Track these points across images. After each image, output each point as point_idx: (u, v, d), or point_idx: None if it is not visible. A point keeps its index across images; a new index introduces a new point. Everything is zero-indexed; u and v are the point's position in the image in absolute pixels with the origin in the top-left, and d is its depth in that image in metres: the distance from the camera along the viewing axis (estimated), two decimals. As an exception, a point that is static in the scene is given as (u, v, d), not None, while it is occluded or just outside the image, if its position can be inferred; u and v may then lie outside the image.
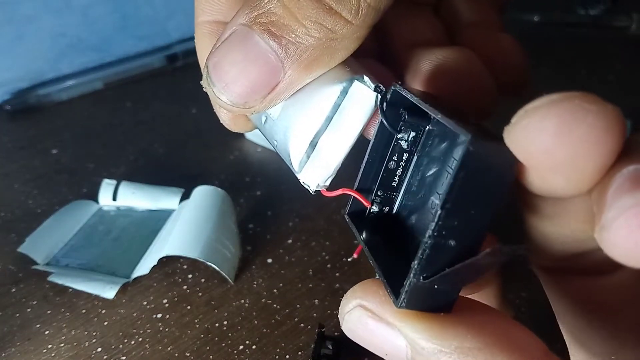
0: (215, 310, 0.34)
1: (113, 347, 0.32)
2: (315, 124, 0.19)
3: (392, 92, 0.18)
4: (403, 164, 0.19)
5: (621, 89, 0.58)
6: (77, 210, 0.42)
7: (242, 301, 0.35)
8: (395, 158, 0.19)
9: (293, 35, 0.17)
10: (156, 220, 0.40)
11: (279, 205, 0.43)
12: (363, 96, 0.18)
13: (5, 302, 0.35)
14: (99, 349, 0.32)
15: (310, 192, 0.20)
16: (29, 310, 0.34)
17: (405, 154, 0.19)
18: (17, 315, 0.34)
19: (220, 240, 0.35)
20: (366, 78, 0.18)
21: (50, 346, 0.32)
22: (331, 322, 0.33)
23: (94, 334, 0.33)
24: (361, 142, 0.19)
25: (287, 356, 0.31)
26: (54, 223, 0.40)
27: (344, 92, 0.18)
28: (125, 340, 0.32)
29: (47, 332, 0.33)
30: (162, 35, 0.67)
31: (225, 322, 0.33)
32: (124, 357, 0.31)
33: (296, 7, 0.17)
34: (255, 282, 0.36)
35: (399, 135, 0.18)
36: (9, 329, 0.33)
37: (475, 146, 0.13)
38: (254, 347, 0.32)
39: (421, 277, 0.14)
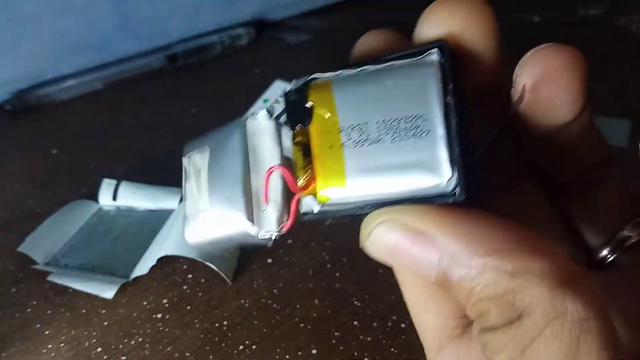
0: (215, 310, 0.34)
1: (113, 347, 0.32)
2: None
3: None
4: None
5: (621, 89, 0.58)
6: (77, 210, 0.42)
7: (242, 301, 0.35)
8: None
9: None
10: (156, 220, 0.40)
11: (279, 205, 0.43)
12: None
13: (5, 302, 0.35)
14: (99, 349, 0.32)
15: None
16: (29, 310, 0.34)
17: None
18: (17, 315, 0.34)
19: (220, 240, 0.35)
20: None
21: (50, 346, 0.32)
22: (331, 322, 0.33)
23: (94, 334, 0.33)
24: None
25: (287, 356, 0.31)
26: (54, 223, 0.40)
27: None
28: (125, 340, 0.32)
29: (47, 332, 0.33)
30: (162, 35, 0.67)
31: (225, 322, 0.33)
32: (124, 357, 0.31)
33: None
34: (255, 282, 0.36)
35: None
36: (9, 329, 0.33)
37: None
38: (253, 347, 0.32)
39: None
